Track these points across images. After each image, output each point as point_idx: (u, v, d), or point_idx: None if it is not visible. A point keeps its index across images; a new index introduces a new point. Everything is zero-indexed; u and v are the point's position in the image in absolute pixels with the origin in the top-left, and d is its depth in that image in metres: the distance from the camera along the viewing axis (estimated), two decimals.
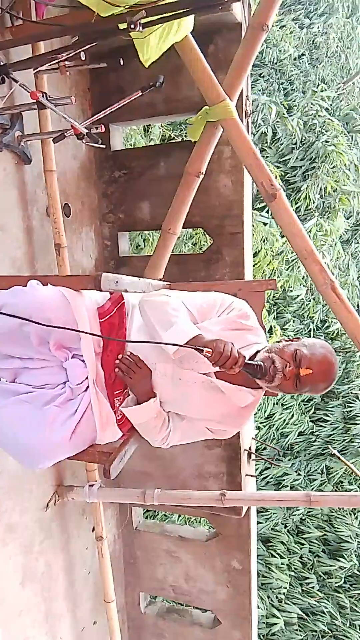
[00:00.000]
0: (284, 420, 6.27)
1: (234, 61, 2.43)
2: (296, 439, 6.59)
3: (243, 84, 2.51)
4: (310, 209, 6.13)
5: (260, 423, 6.07)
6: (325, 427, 6.67)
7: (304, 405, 6.56)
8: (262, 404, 5.93)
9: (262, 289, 2.05)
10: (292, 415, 6.32)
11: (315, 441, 6.70)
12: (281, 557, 6.23)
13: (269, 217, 5.44)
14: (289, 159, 6.14)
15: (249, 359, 1.52)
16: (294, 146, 6.13)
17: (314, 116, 6.24)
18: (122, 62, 2.52)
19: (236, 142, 2.41)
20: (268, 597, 6.04)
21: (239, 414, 1.69)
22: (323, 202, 6.25)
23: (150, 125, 5.00)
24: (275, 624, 5.91)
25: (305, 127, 6.18)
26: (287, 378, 1.51)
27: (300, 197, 6.07)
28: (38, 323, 1.44)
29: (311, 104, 6.46)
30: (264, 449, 5.96)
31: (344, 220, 6.45)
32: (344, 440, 6.70)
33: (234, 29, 2.74)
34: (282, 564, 6.21)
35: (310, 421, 6.64)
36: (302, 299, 6.28)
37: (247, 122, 2.81)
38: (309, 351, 1.52)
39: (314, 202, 6.10)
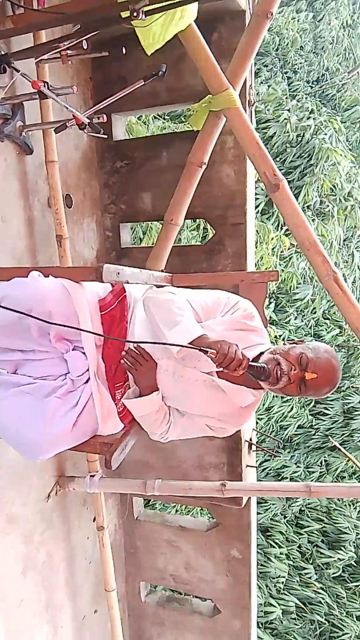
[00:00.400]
0: (283, 413, 6.28)
1: (237, 49, 2.40)
2: (295, 431, 6.60)
3: (247, 72, 2.48)
4: (305, 208, 6.08)
5: (259, 417, 6.07)
6: (324, 420, 6.68)
7: (304, 398, 6.56)
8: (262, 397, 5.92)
9: (264, 281, 2.04)
10: (292, 408, 6.32)
11: (314, 434, 6.72)
12: (280, 546, 6.27)
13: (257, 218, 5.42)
14: (286, 157, 6.07)
15: (253, 360, 1.51)
16: (289, 144, 6.07)
17: (308, 115, 6.17)
18: (124, 51, 2.49)
19: (239, 132, 2.39)
20: (266, 585, 6.09)
21: (240, 414, 1.69)
22: (320, 203, 6.19)
23: (146, 119, 4.95)
24: (273, 612, 5.97)
25: (300, 124, 6.11)
26: (292, 381, 1.50)
27: (298, 194, 6.02)
28: (38, 319, 1.43)
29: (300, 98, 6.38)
30: (263, 440, 5.98)
31: (340, 226, 6.37)
32: (344, 434, 6.72)
33: (238, 17, 2.71)
34: (281, 553, 6.25)
35: (310, 415, 6.65)
36: (306, 295, 6.26)
37: (251, 111, 2.79)
38: (314, 355, 1.52)
39: (312, 200, 6.04)
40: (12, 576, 2.62)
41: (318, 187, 6.02)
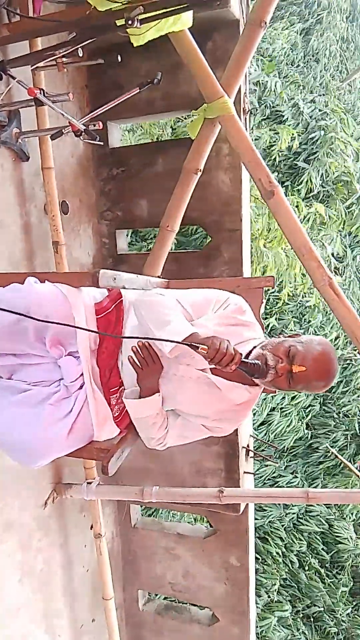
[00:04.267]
0: (282, 427, 6.24)
1: (231, 58, 2.42)
2: (294, 444, 6.57)
3: (241, 80, 2.50)
4: (310, 197, 6.06)
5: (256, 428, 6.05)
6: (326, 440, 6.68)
7: (304, 411, 6.54)
8: (260, 408, 5.94)
9: (260, 286, 2.05)
10: (290, 422, 6.29)
11: (316, 449, 6.70)
12: (276, 555, 6.24)
13: None
14: (291, 144, 6.07)
15: (245, 356, 1.51)
16: (296, 131, 6.08)
17: (316, 98, 6.18)
18: (119, 59, 2.51)
19: (234, 139, 2.41)
20: (266, 592, 6.06)
21: (235, 411, 1.67)
22: (323, 188, 6.17)
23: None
24: (268, 618, 5.93)
25: (309, 111, 6.12)
26: (280, 375, 1.49)
27: (302, 181, 6.02)
28: (35, 319, 1.44)
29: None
30: (262, 449, 5.97)
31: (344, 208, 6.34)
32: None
33: (232, 26, 2.73)
34: (278, 559, 6.23)
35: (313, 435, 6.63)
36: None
37: (245, 118, 2.81)
38: (305, 348, 1.50)
39: (315, 187, 6.04)
40: (9, 584, 2.60)
41: (322, 172, 6.03)
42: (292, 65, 7.74)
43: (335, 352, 1.55)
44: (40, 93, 2.01)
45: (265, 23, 2.30)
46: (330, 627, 6.24)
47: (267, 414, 6.08)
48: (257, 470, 6.23)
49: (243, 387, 1.62)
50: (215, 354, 1.38)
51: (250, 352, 1.57)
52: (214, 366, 1.48)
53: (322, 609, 6.26)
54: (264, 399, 5.94)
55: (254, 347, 1.59)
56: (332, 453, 6.18)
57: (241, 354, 1.43)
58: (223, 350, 1.38)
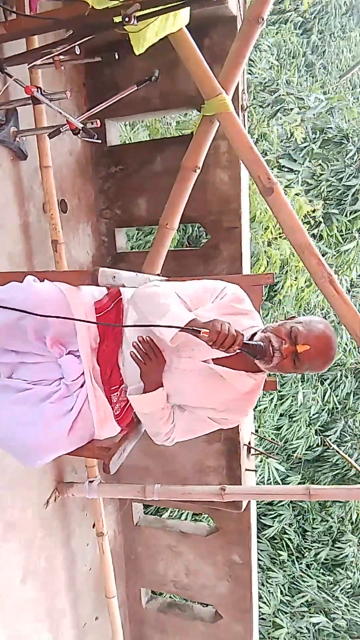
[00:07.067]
0: (293, 432, 6.23)
1: (229, 55, 2.42)
2: (304, 453, 6.56)
3: (239, 77, 2.50)
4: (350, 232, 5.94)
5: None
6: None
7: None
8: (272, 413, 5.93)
9: (259, 284, 2.04)
10: (300, 428, 6.28)
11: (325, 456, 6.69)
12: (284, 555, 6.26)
13: None
14: (343, 176, 5.83)
15: (248, 340, 1.49)
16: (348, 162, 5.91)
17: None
18: (117, 56, 2.50)
19: (232, 136, 2.40)
20: (280, 593, 6.07)
21: (242, 400, 1.64)
22: None
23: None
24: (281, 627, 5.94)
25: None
26: (285, 356, 1.48)
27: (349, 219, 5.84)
28: (36, 314, 1.43)
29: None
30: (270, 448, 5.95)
31: None
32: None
33: (230, 22, 2.73)
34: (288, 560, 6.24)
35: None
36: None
37: (243, 115, 2.80)
38: (305, 328, 1.50)
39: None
40: (12, 583, 2.60)
41: None
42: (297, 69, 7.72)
43: (332, 330, 1.56)
44: (38, 91, 2.01)
45: (263, 19, 2.29)
46: (334, 623, 6.25)
47: (277, 419, 6.06)
48: (262, 477, 6.23)
49: (247, 374, 1.60)
50: (217, 336, 1.37)
51: (251, 338, 1.55)
52: (216, 356, 1.47)
53: (326, 608, 6.27)
54: (275, 405, 5.93)
55: (254, 333, 1.57)
56: (331, 446, 6.16)
57: (243, 335, 1.42)
58: (225, 332, 1.37)
